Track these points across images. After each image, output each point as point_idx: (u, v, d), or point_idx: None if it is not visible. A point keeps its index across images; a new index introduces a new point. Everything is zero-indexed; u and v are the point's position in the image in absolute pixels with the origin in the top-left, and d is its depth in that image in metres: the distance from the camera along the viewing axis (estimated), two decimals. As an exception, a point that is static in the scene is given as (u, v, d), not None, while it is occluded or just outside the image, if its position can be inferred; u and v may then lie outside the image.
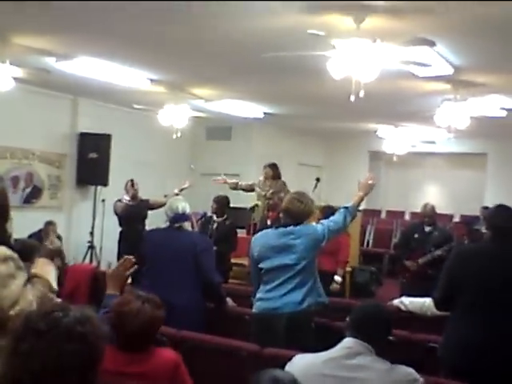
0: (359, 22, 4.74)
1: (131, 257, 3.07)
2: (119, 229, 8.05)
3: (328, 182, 12.94)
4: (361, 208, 4.24)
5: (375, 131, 12.06)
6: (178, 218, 4.45)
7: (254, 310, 4.05)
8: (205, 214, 7.07)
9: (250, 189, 7.86)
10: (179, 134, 8.65)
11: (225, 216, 6.83)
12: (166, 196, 6.84)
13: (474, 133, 10.90)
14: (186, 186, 7.41)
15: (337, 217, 4.07)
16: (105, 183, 9.66)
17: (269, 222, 6.48)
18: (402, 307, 4.58)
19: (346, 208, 4.08)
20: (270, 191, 6.68)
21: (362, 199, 4.19)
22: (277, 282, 3.92)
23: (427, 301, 4.26)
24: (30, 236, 7.42)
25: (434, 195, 13.89)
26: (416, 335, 3.90)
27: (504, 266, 3.39)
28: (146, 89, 8.25)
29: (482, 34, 5.20)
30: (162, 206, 6.33)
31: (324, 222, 4.06)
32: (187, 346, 3.45)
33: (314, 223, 4.13)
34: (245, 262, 7.18)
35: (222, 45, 6.01)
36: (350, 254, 7.15)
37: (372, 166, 14.19)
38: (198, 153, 12.60)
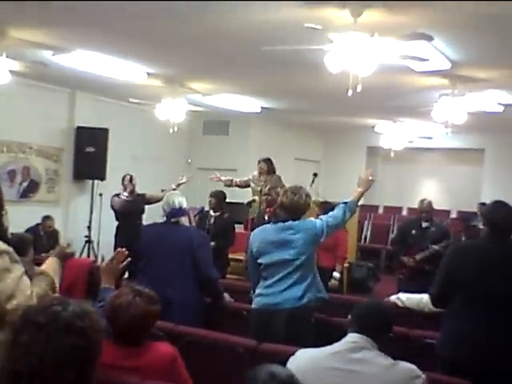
0: (356, 15, 4.72)
1: (124, 249, 3.06)
2: (116, 223, 8.05)
3: (325, 177, 12.95)
4: (358, 203, 4.22)
5: (373, 126, 12.06)
6: (175, 212, 4.44)
7: (253, 306, 4.04)
8: (202, 208, 7.05)
9: (244, 185, 7.85)
10: (176, 129, 8.63)
11: (222, 210, 6.82)
12: (163, 191, 6.82)
13: (472, 128, 10.90)
14: (183, 180, 7.40)
15: (336, 212, 4.05)
16: (102, 177, 9.65)
17: (266, 218, 6.47)
18: (399, 303, 4.58)
19: (346, 203, 4.07)
20: (268, 187, 6.67)
21: (361, 195, 4.17)
22: (276, 278, 3.91)
23: (424, 297, 4.26)
24: (27, 230, 7.41)
25: (431, 191, 13.88)
26: (413, 331, 3.90)
27: (501, 263, 3.39)
28: (143, 83, 8.23)
29: (480, 28, 5.20)
30: (158, 200, 6.33)
31: (323, 217, 4.05)
32: (184, 341, 3.45)
33: (312, 218, 4.11)
34: (242, 257, 7.19)
35: (219, 39, 5.99)
36: (347, 251, 7.15)
37: (369, 161, 14.19)
38: (195, 147, 12.59)
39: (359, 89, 5.06)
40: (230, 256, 7.04)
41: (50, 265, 2.66)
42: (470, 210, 11.85)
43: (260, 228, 4.24)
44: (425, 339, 3.76)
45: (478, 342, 3.26)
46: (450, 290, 3.45)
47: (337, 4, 4.62)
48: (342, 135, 14.34)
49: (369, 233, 13.04)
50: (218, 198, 6.79)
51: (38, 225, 8.28)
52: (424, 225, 6.49)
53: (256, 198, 7.58)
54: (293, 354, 2.58)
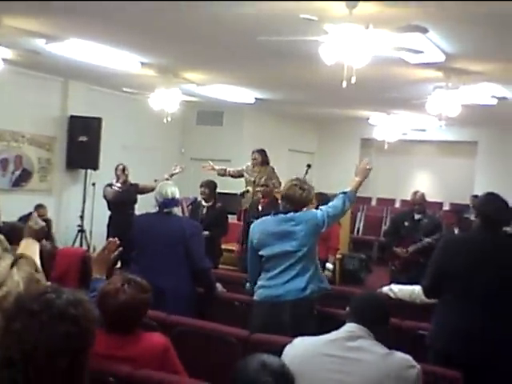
0: (352, 7, 4.71)
1: (115, 239, 3.06)
2: (109, 213, 8.03)
3: (319, 168, 12.95)
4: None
5: (367, 118, 12.07)
6: (168, 203, 4.43)
7: (255, 298, 4.01)
8: (195, 199, 7.05)
9: (238, 175, 7.84)
10: (170, 119, 8.61)
11: (214, 200, 6.82)
12: (156, 181, 6.79)
13: (465, 121, 10.92)
14: (176, 171, 7.37)
15: (336, 202, 4.05)
16: (95, 167, 9.62)
17: (260, 208, 6.47)
18: (392, 294, 4.59)
19: (345, 193, 4.07)
20: (264, 178, 6.66)
21: (359, 184, 4.16)
22: (278, 270, 3.91)
23: (416, 288, 4.28)
24: (20, 219, 7.37)
25: (425, 183, 13.92)
26: (405, 322, 3.92)
27: (493, 255, 3.40)
28: (136, 72, 8.19)
29: (475, 21, 5.20)
30: (151, 190, 6.31)
31: (323, 207, 4.04)
32: (177, 331, 3.45)
33: (312, 209, 4.10)
34: (235, 247, 7.20)
35: (214, 29, 5.97)
36: (340, 242, 7.18)
37: (363, 153, 14.19)
38: (189, 137, 12.56)
39: (353, 80, 5.06)
40: (223, 246, 7.05)
41: (27, 246, 2.64)
42: (463, 202, 11.90)
43: (260, 220, 4.21)
44: (417, 330, 3.78)
45: (470, 334, 3.28)
46: (441, 282, 3.46)
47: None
48: (336, 127, 14.34)
49: (362, 224, 13.07)
50: (210, 187, 6.79)
51: (30, 214, 8.23)
52: (417, 217, 6.52)
53: (249, 188, 7.57)
54: (285, 344, 2.59)
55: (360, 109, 11.58)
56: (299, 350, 2.48)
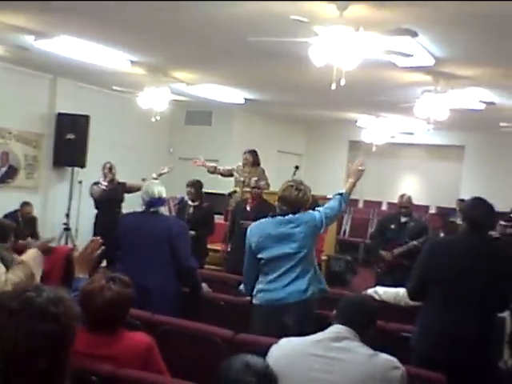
0: (342, 9, 4.72)
1: (98, 238, 3.04)
2: (95, 211, 7.99)
3: (307, 170, 12.96)
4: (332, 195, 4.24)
5: (355, 121, 12.11)
6: (154, 202, 4.41)
7: (255, 302, 3.96)
8: (182, 198, 7.02)
9: (228, 174, 7.82)
10: (158, 118, 8.59)
11: (200, 200, 6.80)
12: (143, 180, 6.77)
13: (453, 125, 10.99)
14: (165, 170, 7.35)
15: (332, 204, 4.06)
16: (82, 165, 9.57)
17: (248, 209, 6.46)
18: (376, 297, 4.60)
19: (341, 195, 4.08)
20: (254, 179, 6.65)
21: (353, 185, 4.18)
22: (278, 273, 3.87)
23: (401, 291, 4.29)
24: (6, 216, 7.34)
25: (411, 186, 13.98)
26: (389, 325, 3.93)
27: (478, 259, 3.42)
28: (126, 70, 8.16)
29: (464, 26, 5.23)
30: (138, 189, 6.28)
31: (320, 209, 4.04)
32: (161, 331, 3.44)
33: (310, 211, 4.08)
34: (220, 247, 7.18)
35: (204, 28, 5.96)
36: (324, 244, 7.23)
37: (351, 155, 14.22)
38: (178, 137, 12.54)
39: (343, 83, 5.07)
40: (209, 246, 7.03)
41: (32, 257, 2.63)
42: (449, 205, 11.97)
43: (257, 222, 4.15)
44: (401, 333, 3.79)
45: (454, 337, 3.30)
46: (426, 285, 3.48)
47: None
48: (325, 129, 14.37)
49: (348, 226, 13.10)
50: (196, 187, 6.77)
51: (16, 211, 8.21)
52: (403, 220, 6.53)
53: (237, 188, 7.56)
54: (270, 344, 2.59)
55: (349, 111, 11.61)
56: (285, 350, 2.48)
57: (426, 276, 3.49)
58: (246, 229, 6.11)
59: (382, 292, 4.63)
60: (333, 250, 9.74)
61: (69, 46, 6.96)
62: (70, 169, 9.77)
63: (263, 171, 7.56)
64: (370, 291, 4.70)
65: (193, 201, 6.76)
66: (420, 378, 2.92)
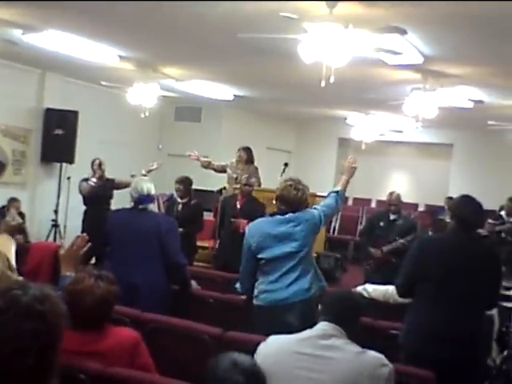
0: (332, 6, 4.72)
1: (84, 234, 3.02)
2: (84, 207, 7.95)
3: (296, 167, 12.96)
4: (327, 193, 4.25)
5: (345, 118, 12.13)
6: (143, 199, 4.40)
7: (258, 303, 3.92)
8: (172, 195, 7.00)
9: (221, 170, 7.77)
10: (147, 114, 8.55)
11: (189, 197, 6.78)
12: (132, 176, 6.75)
13: (441, 123, 11.03)
14: (154, 167, 7.33)
15: (329, 201, 4.07)
16: (70, 161, 9.52)
17: (238, 206, 6.44)
18: (365, 294, 4.62)
19: (337, 192, 4.10)
20: (245, 176, 6.63)
21: (347, 183, 4.21)
22: (280, 272, 3.84)
23: (390, 288, 4.31)
24: (-7, 212, 7.30)
25: (401, 184, 14.04)
26: (378, 322, 3.94)
27: (466, 257, 3.44)
28: (115, 66, 8.11)
29: (454, 24, 5.24)
30: (127, 185, 6.26)
31: (318, 206, 4.04)
32: (150, 328, 3.43)
33: (308, 209, 4.05)
34: (208, 244, 7.17)
35: (194, 24, 5.93)
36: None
37: (340, 152, 14.26)
38: (167, 133, 12.50)
39: (332, 80, 5.07)
40: (198, 243, 7.01)
41: (2, 243, 2.60)
42: (438, 203, 12.01)
43: (255, 222, 4.12)
44: (390, 330, 3.80)
45: (441, 335, 3.31)
46: (415, 282, 3.49)
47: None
48: (314, 126, 14.38)
49: (338, 224, 13.12)
50: (185, 184, 6.74)
51: (3, 207, 8.15)
52: (392, 217, 6.55)
53: (227, 185, 7.54)
54: (258, 342, 2.58)
55: (338, 108, 11.62)
56: (272, 348, 2.48)
57: (414, 274, 3.50)
58: (235, 226, 6.19)
59: (371, 289, 4.65)
60: (322, 247, 9.75)
61: (57, 41, 6.90)
62: (58, 165, 9.70)
63: (256, 169, 7.54)
64: (359, 289, 4.72)
65: (181, 198, 6.73)
66: (409, 376, 2.93)
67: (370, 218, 7.40)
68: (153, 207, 4.61)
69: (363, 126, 11.88)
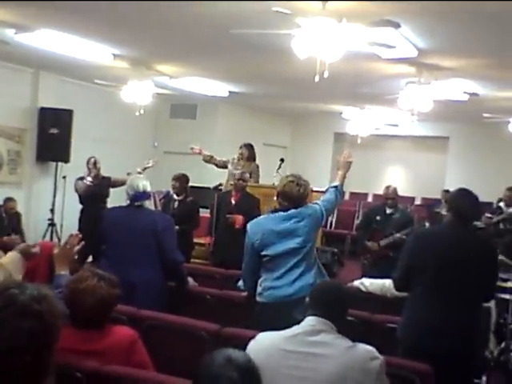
0: (325, 1, 4.71)
1: (77, 233, 3.02)
2: (80, 206, 7.94)
3: (292, 162, 12.96)
4: (325, 189, 4.26)
5: (340, 113, 12.12)
6: (139, 196, 4.39)
7: (262, 300, 3.89)
8: (168, 192, 6.99)
9: (222, 165, 7.74)
10: (142, 111, 8.54)
11: (185, 194, 6.78)
12: (128, 174, 6.74)
13: (437, 116, 11.03)
14: (149, 165, 7.32)
15: (329, 196, 4.08)
16: (66, 160, 9.50)
17: (233, 202, 6.44)
18: (363, 288, 4.63)
19: (336, 187, 4.12)
20: (239, 171, 6.64)
21: (343, 177, 4.22)
22: (284, 269, 3.83)
23: (387, 282, 4.31)
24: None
25: (397, 177, 14.05)
26: (375, 316, 3.94)
27: (462, 250, 3.44)
28: (109, 64, 8.09)
29: (447, 17, 5.23)
30: (123, 183, 6.24)
31: (319, 201, 4.04)
32: (146, 325, 3.43)
33: (309, 204, 4.04)
34: (205, 240, 7.17)
35: (187, 21, 5.92)
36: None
37: (336, 147, 14.26)
38: (162, 131, 12.48)
39: (326, 75, 5.06)
40: (194, 240, 7.01)
41: (12, 260, 2.59)
42: (434, 196, 12.02)
43: (258, 219, 4.12)
44: (387, 324, 3.80)
45: (439, 327, 3.32)
46: (412, 275, 3.49)
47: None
48: (310, 121, 14.37)
49: (334, 218, 13.11)
50: (181, 181, 6.74)
51: (0, 206, 8.14)
52: (388, 211, 6.56)
53: (223, 182, 7.54)
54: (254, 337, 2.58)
55: (333, 103, 11.61)
56: (262, 345, 2.46)
57: (411, 266, 3.50)
58: (231, 222, 6.19)
59: (368, 284, 4.65)
60: (319, 242, 9.75)
61: (50, 40, 6.88)
62: (53, 164, 9.68)
63: (257, 167, 7.53)
64: (357, 283, 4.72)
65: (178, 195, 6.73)
66: (406, 369, 2.93)
67: (366, 212, 7.40)
68: (149, 204, 4.61)
69: (359, 121, 11.88)
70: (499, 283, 4.57)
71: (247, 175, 6.66)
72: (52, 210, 9.35)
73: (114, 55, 7.71)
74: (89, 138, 10.04)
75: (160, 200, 7.13)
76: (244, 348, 2.05)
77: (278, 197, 4.01)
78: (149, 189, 4.47)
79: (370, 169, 14.46)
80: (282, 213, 3.92)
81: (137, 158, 9.53)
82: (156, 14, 5.73)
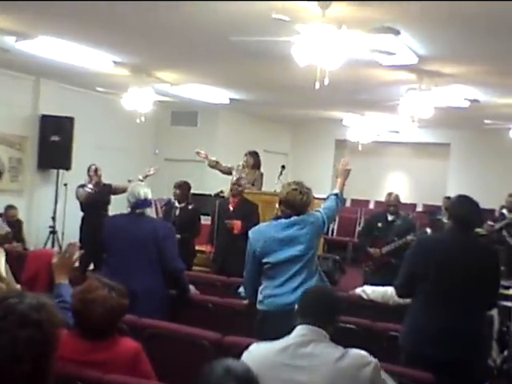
0: (324, 7, 4.71)
1: (76, 241, 3.00)
2: (81, 214, 7.94)
3: (293, 169, 12.97)
4: (326, 196, 4.25)
5: (341, 120, 12.12)
6: (140, 203, 4.38)
7: (263, 308, 3.88)
8: (169, 200, 6.99)
9: (227, 171, 7.71)
10: (143, 119, 8.54)
11: (187, 201, 6.77)
12: (129, 181, 6.74)
13: (438, 123, 11.03)
14: (151, 172, 7.32)
15: (330, 204, 4.09)
16: (67, 167, 9.50)
17: (231, 208, 6.44)
18: (364, 296, 4.60)
19: (336, 195, 4.12)
20: (236, 177, 6.63)
21: (343, 185, 4.23)
22: (285, 276, 3.81)
23: (389, 290, 4.29)
24: (-11, 220, 7.26)
25: (398, 184, 14.04)
26: (377, 324, 3.92)
27: (464, 257, 3.43)
28: (109, 71, 8.10)
29: (447, 24, 5.24)
30: (124, 190, 6.23)
31: (320, 209, 4.04)
32: (148, 334, 3.41)
33: (311, 211, 4.03)
34: (205, 248, 7.14)
35: (187, 28, 5.93)
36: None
37: (337, 154, 14.25)
38: (163, 138, 12.49)
39: (326, 82, 5.05)
40: (196, 247, 6.99)
41: None
42: (436, 203, 12.01)
43: (260, 226, 4.11)
44: (389, 332, 3.78)
45: (442, 335, 3.30)
46: (414, 282, 3.48)
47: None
48: (311, 128, 14.38)
49: (336, 225, 13.10)
50: (183, 188, 6.73)
51: (0, 214, 8.13)
52: (390, 218, 6.54)
53: (224, 189, 7.53)
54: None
55: (334, 110, 11.62)
56: (255, 357, 2.44)
57: (412, 274, 3.49)
58: (229, 227, 6.18)
59: (370, 291, 4.63)
60: (321, 249, 9.74)
61: (51, 47, 6.89)
62: (55, 171, 9.68)
63: (261, 175, 7.50)
64: (358, 290, 4.70)
65: (179, 202, 6.73)
66: (408, 378, 2.91)
67: (368, 219, 7.39)
68: (150, 212, 4.60)
69: (359, 127, 11.88)
70: (502, 291, 4.55)
71: (244, 181, 6.64)
72: (53, 218, 9.35)
73: (115, 62, 7.72)
74: (90, 146, 10.05)
75: (161, 207, 7.13)
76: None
77: (280, 204, 4.00)
78: (150, 196, 4.46)
79: (371, 176, 14.45)
80: (284, 220, 3.91)
81: (138, 165, 9.53)
82: (156, 21, 5.74)
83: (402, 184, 14.36)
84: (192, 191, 7.01)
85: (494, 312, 4.55)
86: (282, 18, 4.60)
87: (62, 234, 9.40)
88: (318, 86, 5.08)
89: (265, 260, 3.89)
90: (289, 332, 2.60)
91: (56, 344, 1.67)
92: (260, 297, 3.93)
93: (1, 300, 1.65)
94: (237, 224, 6.18)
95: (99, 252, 4.64)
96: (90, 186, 7.82)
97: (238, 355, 2.48)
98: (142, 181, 6.82)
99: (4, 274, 2.53)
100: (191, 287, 4.57)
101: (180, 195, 6.71)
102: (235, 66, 7.71)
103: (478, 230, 5.78)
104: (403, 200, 7.84)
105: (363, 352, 2.42)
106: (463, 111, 9.39)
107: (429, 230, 8.38)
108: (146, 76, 8.28)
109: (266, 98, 10.57)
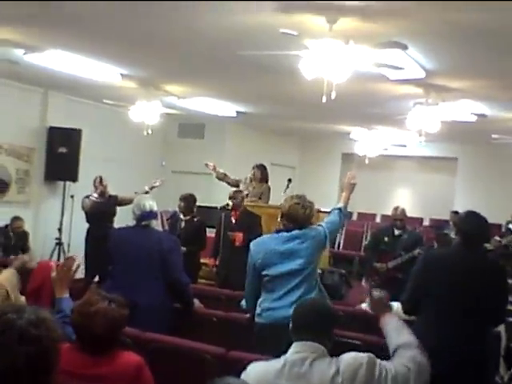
0: (332, 22, 4.72)
1: (74, 255, 3.00)
2: (87, 225, 7.94)
3: (300, 182, 12.94)
4: (330, 210, 4.24)
5: (348, 133, 12.12)
6: (146, 216, 4.37)
7: (261, 321, 3.87)
8: (175, 212, 6.99)
9: (235, 184, 7.72)
10: (150, 131, 8.56)
11: (192, 214, 6.76)
12: (136, 193, 6.75)
13: (445, 137, 11.00)
14: (157, 184, 7.33)
15: (333, 218, 4.06)
16: (74, 179, 9.52)
17: (233, 221, 6.43)
18: (370, 311, 4.56)
19: (339, 209, 4.10)
20: (233, 189, 6.65)
21: (348, 199, 4.21)
22: (284, 290, 3.80)
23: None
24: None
25: (405, 198, 13.98)
26: (383, 339, 3.88)
27: (471, 273, 3.40)
28: (117, 84, 8.14)
29: (454, 38, 5.24)
30: (130, 202, 6.23)
31: (322, 223, 4.02)
32: (151, 348, 3.39)
33: (314, 225, 4.02)
34: (210, 262, 7.13)
35: (195, 42, 5.95)
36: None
37: (344, 168, 14.23)
38: (170, 150, 12.51)
39: (333, 96, 5.05)
40: (201, 260, 6.98)
41: (6, 277, 2.57)
42: (443, 218, 11.95)
43: (260, 239, 4.10)
44: (395, 348, 3.74)
45: (448, 351, 3.26)
46: (420, 298, 3.45)
47: (313, 10, 4.60)
48: (318, 141, 14.38)
49: (342, 239, 13.05)
50: (188, 201, 6.73)
51: (7, 226, 8.15)
52: (397, 232, 6.51)
53: (229, 202, 7.53)
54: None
55: (341, 124, 11.62)
56: (253, 377, 2.41)
57: (419, 289, 3.46)
58: (231, 239, 6.17)
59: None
60: (327, 263, 9.69)
61: (59, 60, 6.93)
62: (61, 183, 9.71)
63: (269, 189, 7.49)
64: (365, 306, 4.66)
65: (184, 215, 6.72)
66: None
67: (374, 233, 7.35)
68: (156, 224, 4.59)
69: (367, 141, 11.87)
70: (509, 307, 4.51)
71: (241, 194, 6.64)
72: (60, 230, 9.35)
73: (123, 75, 7.76)
74: (97, 158, 10.06)
75: (167, 220, 7.12)
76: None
77: (282, 217, 3.99)
78: (155, 208, 4.46)
79: (378, 189, 14.41)
80: (285, 233, 3.90)
81: (145, 177, 9.53)
82: (164, 34, 5.77)
83: (409, 198, 14.30)
84: (198, 204, 7.00)
85: (501, 328, 4.51)
86: (289, 33, 4.61)
87: (68, 245, 9.40)
88: (324, 99, 5.09)
89: (264, 272, 3.88)
90: (286, 346, 2.60)
91: (56, 359, 1.65)
92: (258, 309, 3.92)
93: None
94: (238, 236, 6.18)
95: (104, 264, 4.63)
96: (95, 195, 7.83)
97: (242, 370, 2.46)
98: (147, 192, 6.83)
99: (16, 297, 2.53)
100: (195, 301, 4.55)
101: (185, 208, 6.71)
102: (242, 79, 7.73)
103: (486, 245, 5.74)
104: (410, 214, 7.81)
105: (353, 354, 2.40)
106: (470, 126, 9.37)
107: (435, 245, 8.36)
108: (153, 89, 8.31)
109: (273, 111, 10.59)
